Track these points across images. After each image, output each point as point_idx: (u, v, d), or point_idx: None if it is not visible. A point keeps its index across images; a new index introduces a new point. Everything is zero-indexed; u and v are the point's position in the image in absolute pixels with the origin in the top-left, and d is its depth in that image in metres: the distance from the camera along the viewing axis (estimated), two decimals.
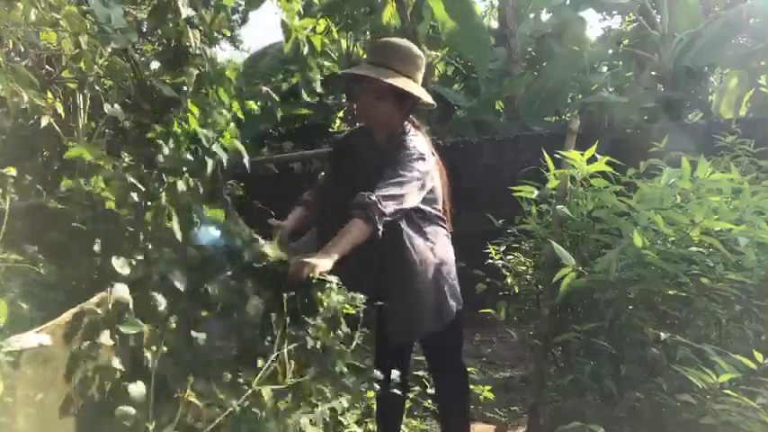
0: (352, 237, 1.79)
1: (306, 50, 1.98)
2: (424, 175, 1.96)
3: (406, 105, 2.04)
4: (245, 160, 1.88)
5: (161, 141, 1.61)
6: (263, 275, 1.65)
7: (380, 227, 1.82)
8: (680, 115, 6.68)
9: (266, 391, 1.46)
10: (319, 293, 1.66)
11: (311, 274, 1.62)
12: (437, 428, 3.10)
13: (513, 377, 3.98)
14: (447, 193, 2.22)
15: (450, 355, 2.32)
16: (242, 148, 1.83)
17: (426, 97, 2.05)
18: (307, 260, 1.64)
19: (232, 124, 1.79)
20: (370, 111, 2.05)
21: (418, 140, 2.05)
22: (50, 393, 1.28)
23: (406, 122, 2.10)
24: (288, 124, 7.27)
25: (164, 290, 1.50)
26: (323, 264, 1.66)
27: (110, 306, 1.37)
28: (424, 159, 1.98)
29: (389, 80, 1.94)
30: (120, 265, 1.46)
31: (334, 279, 1.68)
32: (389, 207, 1.84)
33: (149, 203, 1.59)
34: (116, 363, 1.36)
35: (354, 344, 1.69)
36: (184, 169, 1.67)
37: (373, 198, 1.80)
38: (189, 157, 1.70)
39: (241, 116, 1.83)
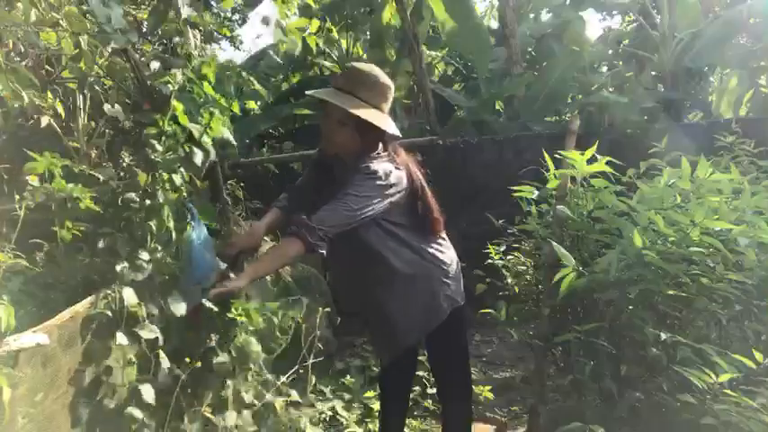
0: (277, 255, 1.91)
1: (299, 50, 1.99)
2: (376, 192, 1.95)
3: (368, 134, 2.00)
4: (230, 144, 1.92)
5: (154, 141, 1.63)
6: None
7: (320, 249, 1.88)
8: (680, 115, 6.68)
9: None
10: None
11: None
12: (437, 428, 3.10)
13: (513, 377, 3.98)
14: (428, 197, 2.16)
15: (454, 356, 2.32)
16: (230, 136, 1.86)
17: (390, 129, 2.00)
18: (230, 285, 1.76)
19: (216, 113, 1.81)
20: (330, 134, 2.03)
21: (378, 164, 2.00)
22: (51, 393, 1.28)
23: (381, 148, 2.06)
24: (288, 124, 7.27)
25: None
26: (239, 284, 1.78)
27: (117, 307, 1.39)
28: (377, 177, 1.96)
29: (352, 109, 1.90)
30: (125, 269, 1.48)
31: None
32: (324, 229, 1.88)
33: (147, 201, 1.60)
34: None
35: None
36: (178, 166, 1.69)
37: (305, 220, 1.86)
38: (181, 153, 1.72)
39: (237, 111, 1.85)
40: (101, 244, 1.54)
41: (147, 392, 1.37)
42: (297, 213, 2.17)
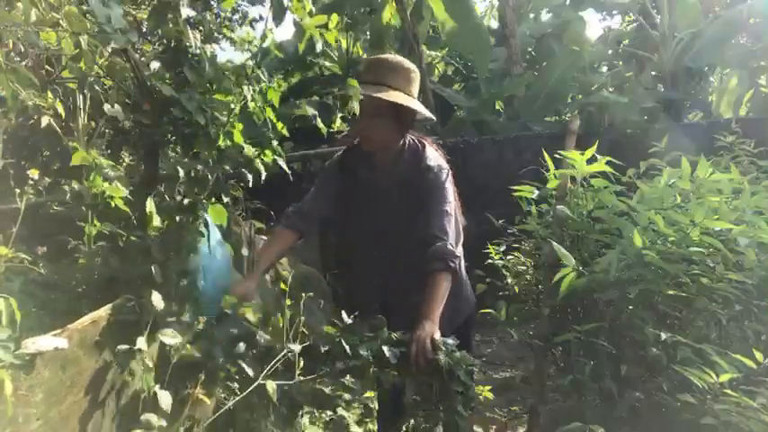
0: (444, 292, 1.85)
1: (320, 47, 1.99)
2: (453, 191, 2.03)
3: (404, 121, 2.00)
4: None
5: (206, 154, 1.64)
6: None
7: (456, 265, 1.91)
8: (680, 115, 6.68)
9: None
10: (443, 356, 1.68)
11: (435, 345, 1.67)
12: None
13: (513, 377, 3.98)
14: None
15: None
16: (284, 165, 1.86)
17: (425, 111, 2.01)
18: (427, 335, 1.67)
19: (275, 142, 1.81)
20: (369, 131, 2.00)
21: (433, 153, 2.05)
22: (70, 396, 1.28)
23: (409, 138, 2.06)
24: (288, 124, 7.26)
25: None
26: (435, 331, 1.71)
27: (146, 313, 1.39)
28: (448, 174, 2.02)
29: (386, 96, 1.89)
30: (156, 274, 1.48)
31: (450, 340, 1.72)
32: (457, 244, 1.94)
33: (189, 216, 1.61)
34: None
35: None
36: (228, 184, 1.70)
37: (449, 247, 1.87)
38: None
39: (286, 133, 1.86)
40: (132, 246, 1.55)
41: (164, 398, 1.37)
42: (300, 226, 2.14)
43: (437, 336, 1.69)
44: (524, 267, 2.90)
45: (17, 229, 1.40)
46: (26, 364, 1.11)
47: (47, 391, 1.21)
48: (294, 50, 7.37)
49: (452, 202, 2.00)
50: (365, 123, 1.98)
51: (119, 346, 1.35)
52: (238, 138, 1.70)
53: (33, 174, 1.61)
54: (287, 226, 2.14)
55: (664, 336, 1.84)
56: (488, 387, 3.36)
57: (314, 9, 1.79)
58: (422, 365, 1.65)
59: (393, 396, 2.16)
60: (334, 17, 1.96)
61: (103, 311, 1.39)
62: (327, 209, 2.16)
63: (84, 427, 1.32)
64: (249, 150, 1.73)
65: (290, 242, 2.15)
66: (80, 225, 1.66)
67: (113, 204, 1.61)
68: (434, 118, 2.07)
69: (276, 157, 1.83)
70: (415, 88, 2.00)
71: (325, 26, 1.85)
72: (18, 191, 1.50)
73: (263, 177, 1.82)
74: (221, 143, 1.67)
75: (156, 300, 1.40)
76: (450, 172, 2.06)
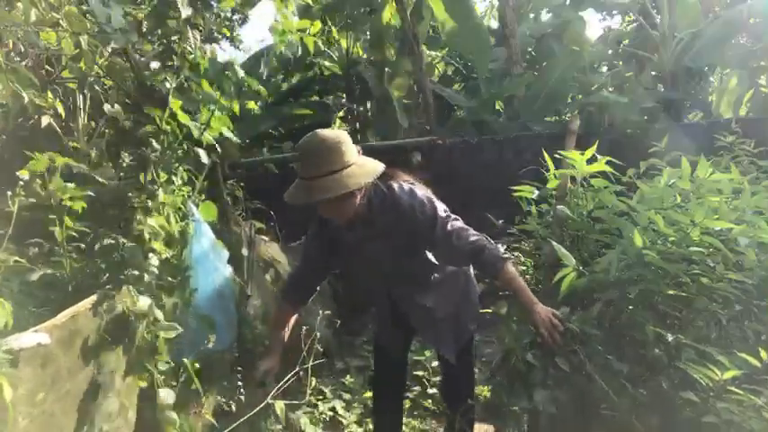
0: (519, 277, 2.13)
1: (300, 52, 2.01)
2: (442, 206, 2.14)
3: (354, 190, 1.95)
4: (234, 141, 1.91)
5: (152, 139, 1.63)
6: None
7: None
8: (680, 115, 6.67)
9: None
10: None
11: (560, 318, 1.93)
12: (437, 428, 3.11)
13: None
14: None
15: (464, 357, 2.37)
16: (231, 135, 1.86)
17: (367, 177, 1.94)
18: (546, 315, 1.93)
19: (217, 112, 1.81)
20: (330, 212, 2.02)
21: (401, 190, 2.09)
22: (51, 393, 1.28)
23: (371, 188, 2.05)
24: (288, 124, 7.27)
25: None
26: (546, 308, 1.98)
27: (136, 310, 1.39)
28: (426, 196, 2.11)
29: (320, 196, 1.87)
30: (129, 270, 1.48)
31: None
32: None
33: (149, 202, 1.60)
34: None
35: None
36: (177, 165, 1.69)
37: (491, 244, 2.10)
38: (180, 152, 1.72)
39: (229, 106, 1.85)
40: (98, 245, 1.54)
41: (165, 395, 1.37)
42: (301, 297, 2.28)
43: (550, 312, 1.93)
44: (524, 267, 2.90)
45: (14, 231, 1.39)
46: (11, 360, 1.11)
47: (32, 387, 1.20)
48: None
49: (448, 211, 2.12)
50: (322, 209, 2.03)
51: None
52: (182, 117, 1.69)
53: (23, 174, 1.60)
54: (287, 300, 2.29)
55: (670, 337, 1.84)
56: (488, 387, 3.36)
57: (311, 9, 1.80)
58: (558, 341, 1.86)
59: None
60: (316, 24, 1.97)
61: (82, 306, 1.39)
62: (318, 275, 2.30)
63: (68, 421, 1.32)
64: (193, 128, 1.72)
65: (294, 313, 2.29)
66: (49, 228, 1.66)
67: (77, 206, 1.59)
68: (385, 166, 2.02)
69: (224, 127, 1.82)
70: (350, 151, 1.94)
71: (314, 31, 1.86)
72: (10, 193, 1.50)
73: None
74: (164, 125, 1.67)
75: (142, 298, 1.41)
76: (427, 189, 2.16)
